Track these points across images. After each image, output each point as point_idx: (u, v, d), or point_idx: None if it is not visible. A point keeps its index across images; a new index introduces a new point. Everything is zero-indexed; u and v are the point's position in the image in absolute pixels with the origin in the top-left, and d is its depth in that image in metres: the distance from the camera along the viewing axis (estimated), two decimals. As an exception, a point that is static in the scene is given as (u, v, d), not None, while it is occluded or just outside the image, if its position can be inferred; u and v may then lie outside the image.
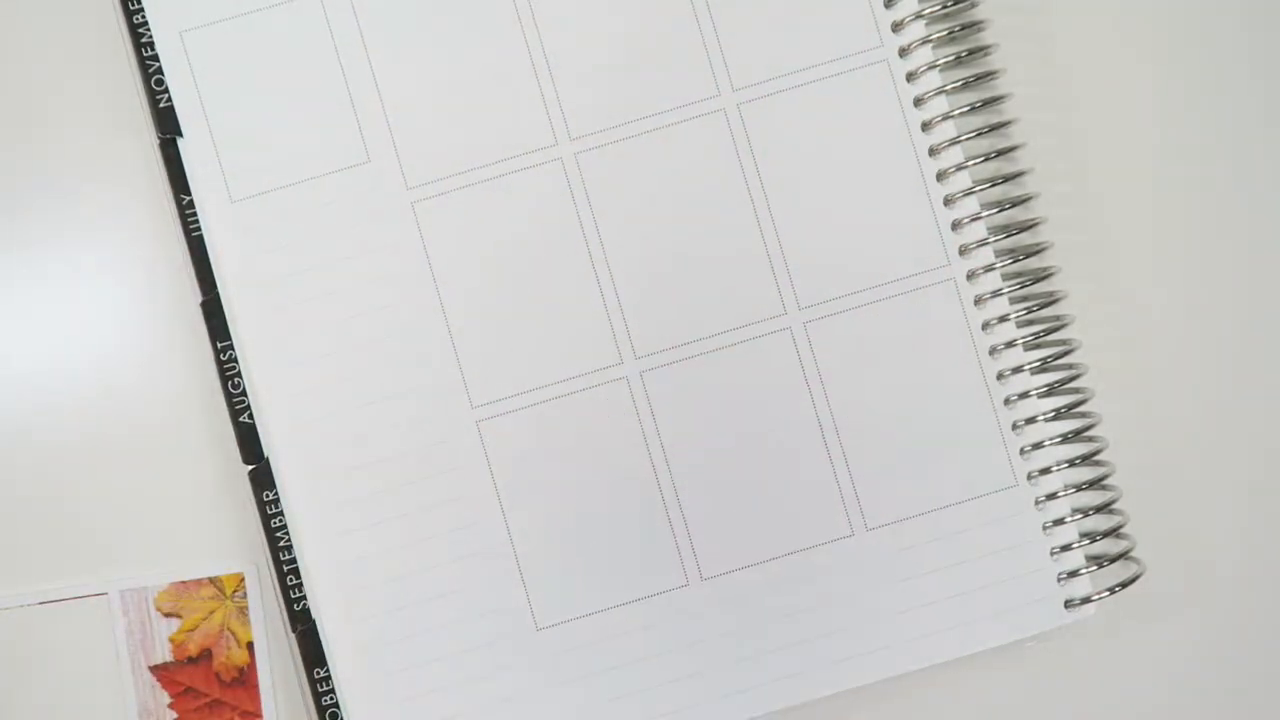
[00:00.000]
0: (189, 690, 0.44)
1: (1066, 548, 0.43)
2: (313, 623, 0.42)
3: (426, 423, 0.42)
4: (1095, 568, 0.43)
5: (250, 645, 0.44)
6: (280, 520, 0.42)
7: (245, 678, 0.44)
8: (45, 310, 0.44)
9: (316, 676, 0.42)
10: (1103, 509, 0.43)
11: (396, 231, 0.42)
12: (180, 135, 0.42)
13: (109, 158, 0.44)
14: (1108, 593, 0.43)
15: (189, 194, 0.43)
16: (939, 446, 0.43)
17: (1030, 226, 0.43)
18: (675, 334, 0.43)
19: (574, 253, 0.43)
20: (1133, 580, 0.43)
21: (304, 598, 0.42)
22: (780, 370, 0.43)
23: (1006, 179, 0.43)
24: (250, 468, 0.43)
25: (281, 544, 0.43)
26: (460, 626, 0.42)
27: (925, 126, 0.43)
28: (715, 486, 0.43)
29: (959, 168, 0.43)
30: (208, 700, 0.44)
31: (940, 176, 0.43)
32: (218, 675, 0.44)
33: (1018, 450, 0.43)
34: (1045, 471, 0.43)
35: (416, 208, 0.42)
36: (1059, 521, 0.43)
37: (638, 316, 0.43)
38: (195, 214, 0.43)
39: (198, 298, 0.43)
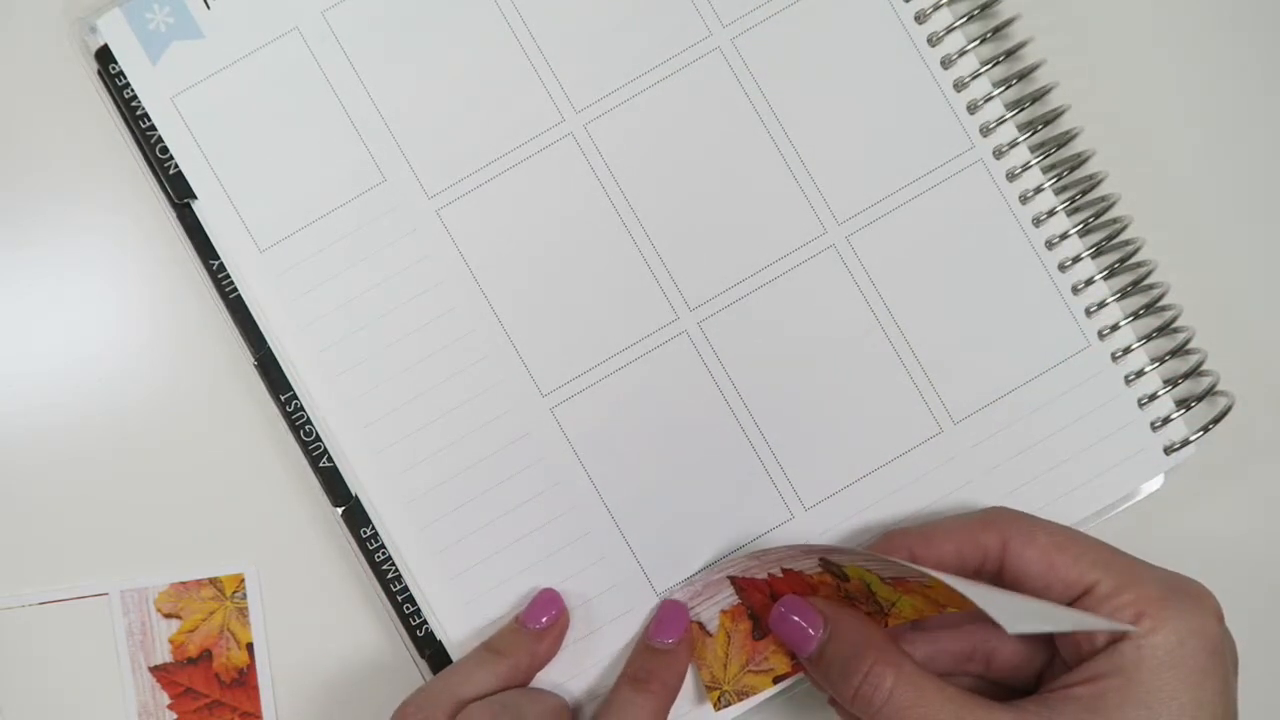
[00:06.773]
0: (189, 691, 0.44)
1: (1153, 397, 0.43)
2: (438, 643, 0.43)
3: (502, 421, 0.42)
4: (1184, 410, 0.43)
5: (250, 646, 0.44)
6: (384, 553, 0.43)
7: (245, 679, 0.44)
8: (47, 318, 0.44)
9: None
10: (1178, 352, 0.43)
11: (428, 242, 0.42)
12: (194, 198, 0.42)
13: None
14: (1202, 431, 0.43)
15: (215, 258, 0.43)
16: (1005, 325, 0.43)
17: (1043, 94, 0.43)
18: (723, 278, 0.43)
19: (606, 222, 0.42)
20: (1225, 413, 0.43)
21: (425, 623, 0.43)
22: (834, 288, 0.43)
23: (1009, 54, 0.43)
24: (341, 509, 0.43)
25: (389, 575, 0.43)
26: (587, 607, 0.42)
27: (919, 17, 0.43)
28: (796, 417, 0.42)
29: (962, 52, 0.43)
30: (207, 701, 0.44)
31: (945, 63, 0.43)
32: (217, 676, 0.44)
33: (1083, 311, 0.43)
34: (1114, 328, 0.43)
35: (442, 214, 0.42)
36: (1139, 373, 0.43)
37: (682, 270, 0.42)
38: (227, 275, 0.43)
39: (249, 359, 0.43)
